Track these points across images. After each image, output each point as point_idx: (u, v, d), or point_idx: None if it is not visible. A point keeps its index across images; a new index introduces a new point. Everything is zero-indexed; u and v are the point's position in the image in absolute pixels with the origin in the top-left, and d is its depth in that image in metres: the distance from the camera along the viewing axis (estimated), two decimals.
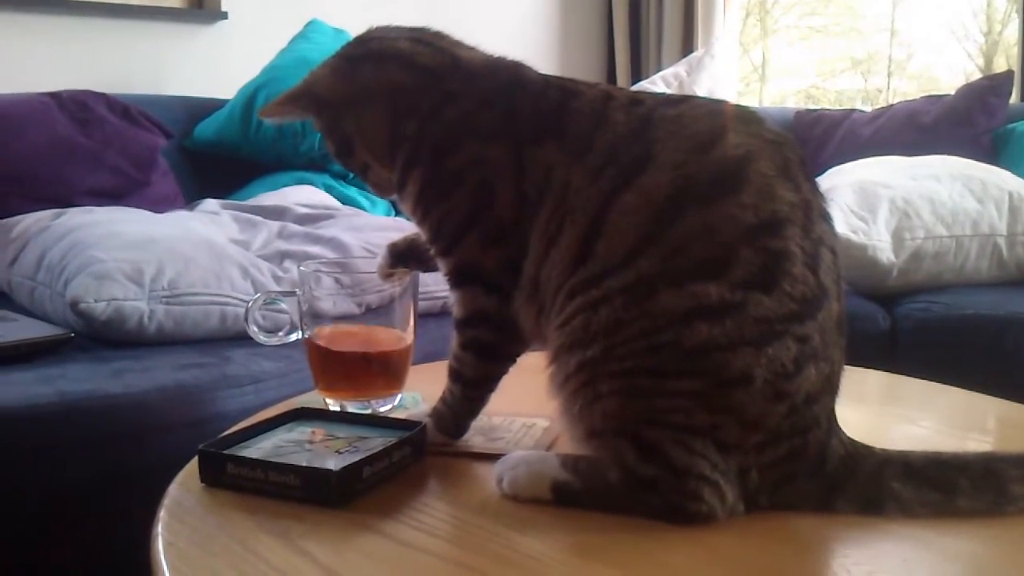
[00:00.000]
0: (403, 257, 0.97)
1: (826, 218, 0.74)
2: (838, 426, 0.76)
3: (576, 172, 0.77)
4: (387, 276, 0.98)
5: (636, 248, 0.71)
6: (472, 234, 0.82)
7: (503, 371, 0.88)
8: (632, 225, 0.72)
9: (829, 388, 0.73)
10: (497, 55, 0.88)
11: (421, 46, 0.87)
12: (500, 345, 0.86)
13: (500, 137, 0.81)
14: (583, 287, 0.74)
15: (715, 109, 0.78)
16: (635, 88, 2.34)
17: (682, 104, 0.78)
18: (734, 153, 0.72)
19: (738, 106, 0.79)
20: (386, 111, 0.86)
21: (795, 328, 0.69)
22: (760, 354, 0.68)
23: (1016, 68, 3.02)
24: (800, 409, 0.70)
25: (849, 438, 0.76)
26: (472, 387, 0.87)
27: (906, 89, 3.78)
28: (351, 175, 2.36)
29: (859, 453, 0.75)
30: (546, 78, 0.85)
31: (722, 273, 0.69)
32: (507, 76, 0.85)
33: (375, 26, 0.91)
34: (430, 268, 0.93)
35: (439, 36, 0.89)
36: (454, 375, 0.88)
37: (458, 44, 0.89)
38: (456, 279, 0.86)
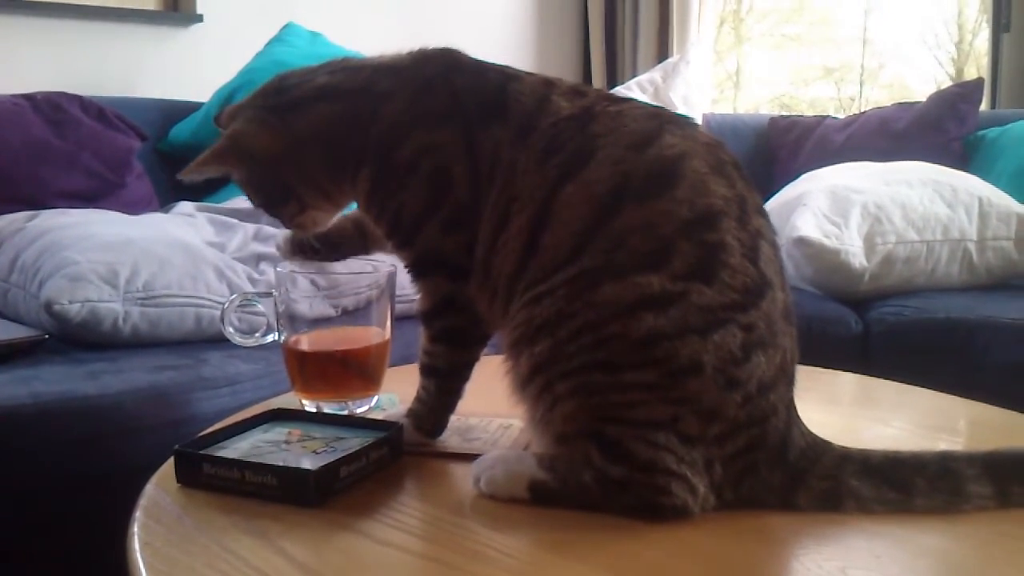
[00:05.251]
0: (299, 249, 0.97)
1: (762, 213, 0.77)
2: (798, 417, 0.77)
3: (522, 152, 0.78)
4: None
5: (580, 242, 0.73)
6: (433, 221, 0.83)
7: (475, 357, 0.88)
8: (576, 218, 0.74)
9: (784, 376, 0.74)
10: (420, 47, 0.87)
11: (338, 74, 0.87)
12: (470, 329, 0.86)
13: (447, 120, 0.82)
14: (533, 283, 0.75)
15: (653, 112, 0.80)
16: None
17: (623, 103, 0.80)
18: (669, 152, 0.75)
19: (675, 113, 0.81)
20: (327, 147, 0.85)
21: (739, 316, 0.71)
22: (706, 341, 0.70)
23: (986, 76, 3.07)
24: (755, 398, 0.72)
25: (809, 431, 0.77)
26: (447, 378, 0.88)
27: (878, 98, 3.83)
28: None
29: (819, 446, 0.77)
30: (480, 62, 0.86)
31: (662, 265, 0.70)
32: (441, 62, 0.85)
33: (282, 73, 0.90)
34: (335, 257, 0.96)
35: (348, 60, 0.89)
36: (427, 371, 0.88)
37: (375, 57, 0.88)
38: (419, 269, 0.86)
